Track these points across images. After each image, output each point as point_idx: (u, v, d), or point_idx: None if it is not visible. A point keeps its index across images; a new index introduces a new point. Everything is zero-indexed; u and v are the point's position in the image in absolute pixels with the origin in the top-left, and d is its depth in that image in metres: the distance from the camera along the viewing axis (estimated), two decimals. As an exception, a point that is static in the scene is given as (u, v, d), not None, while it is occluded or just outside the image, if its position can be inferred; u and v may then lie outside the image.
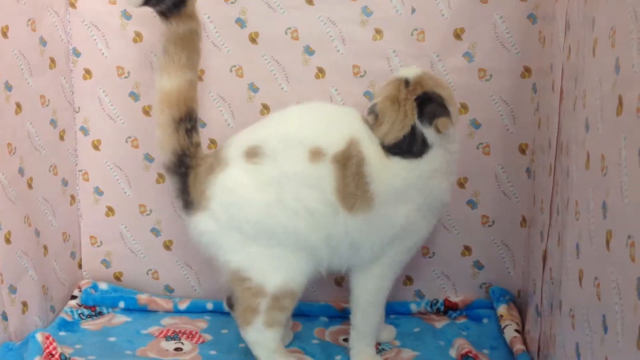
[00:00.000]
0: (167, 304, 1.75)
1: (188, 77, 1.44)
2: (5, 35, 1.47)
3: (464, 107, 1.65)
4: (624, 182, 0.95)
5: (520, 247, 1.72)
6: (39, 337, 1.47)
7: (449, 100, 1.44)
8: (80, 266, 1.81)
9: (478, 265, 1.76)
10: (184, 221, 1.47)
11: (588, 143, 1.13)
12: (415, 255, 1.54)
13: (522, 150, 1.68)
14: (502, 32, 1.62)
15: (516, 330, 1.59)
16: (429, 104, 1.41)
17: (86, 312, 1.72)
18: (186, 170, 1.43)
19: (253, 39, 1.66)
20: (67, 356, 1.48)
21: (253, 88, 1.69)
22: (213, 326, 1.69)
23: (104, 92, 1.72)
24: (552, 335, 1.33)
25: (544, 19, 1.58)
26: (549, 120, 1.45)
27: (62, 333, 1.62)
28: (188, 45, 1.43)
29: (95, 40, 1.69)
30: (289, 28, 1.65)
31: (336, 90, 1.68)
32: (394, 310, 1.72)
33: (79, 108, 1.74)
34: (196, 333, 1.65)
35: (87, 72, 1.71)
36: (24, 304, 1.54)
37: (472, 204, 1.72)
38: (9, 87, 1.48)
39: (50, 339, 1.48)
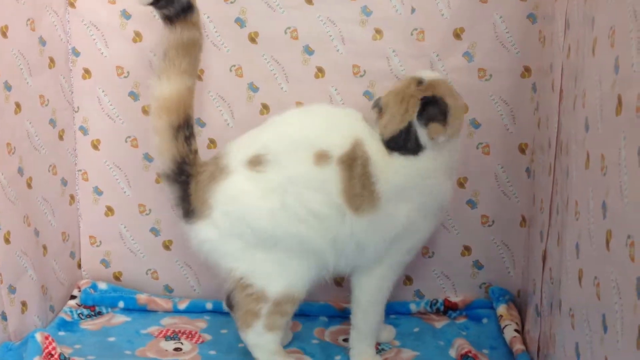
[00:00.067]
0: (166, 304, 1.75)
1: (187, 83, 1.42)
2: (4, 35, 1.47)
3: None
4: (623, 181, 0.95)
5: (520, 247, 1.72)
6: (38, 337, 1.47)
7: (455, 112, 1.42)
8: (79, 266, 1.81)
9: (478, 265, 1.76)
10: (183, 228, 1.47)
11: (588, 142, 1.13)
12: (415, 255, 1.54)
13: (522, 150, 1.68)
14: (502, 31, 1.62)
15: (516, 330, 1.59)
16: (432, 106, 1.41)
17: (85, 312, 1.72)
18: (186, 178, 1.42)
19: (253, 39, 1.66)
20: (67, 356, 1.48)
21: (253, 88, 1.69)
22: (212, 326, 1.68)
23: (103, 91, 1.72)
24: (551, 335, 1.33)
25: (543, 18, 1.58)
26: (548, 119, 1.45)
27: (61, 333, 1.61)
28: (190, 52, 1.42)
29: (94, 39, 1.69)
30: (289, 28, 1.65)
31: (336, 90, 1.67)
32: (393, 310, 1.72)
33: (78, 108, 1.74)
34: (196, 333, 1.65)
35: (87, 72, 1.71)
36: (23, 304, 1.54)
37: (471, 203, 1.72)
38: (8, 87, 1.48)
39: (50, 338, 1.47)
